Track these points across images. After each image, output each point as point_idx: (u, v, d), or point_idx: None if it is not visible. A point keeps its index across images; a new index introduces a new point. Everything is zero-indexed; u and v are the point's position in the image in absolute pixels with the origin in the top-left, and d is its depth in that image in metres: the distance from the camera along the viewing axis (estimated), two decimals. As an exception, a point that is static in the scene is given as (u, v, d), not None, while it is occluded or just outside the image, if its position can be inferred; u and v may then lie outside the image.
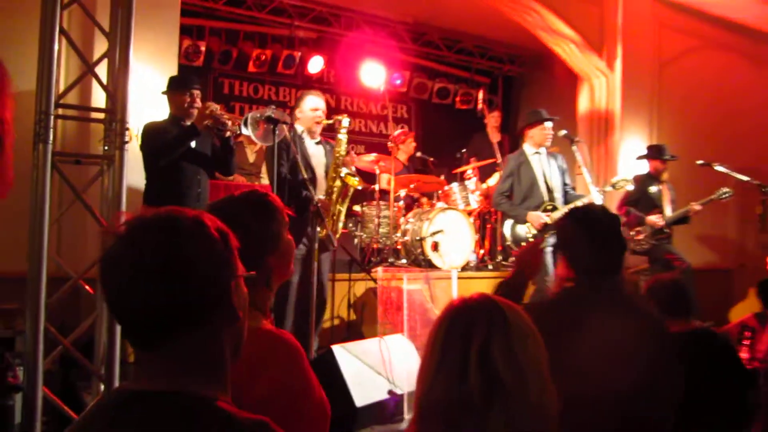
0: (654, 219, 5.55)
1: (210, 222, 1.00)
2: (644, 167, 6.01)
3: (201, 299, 0.95)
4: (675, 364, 1.93)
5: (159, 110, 4.39)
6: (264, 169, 5.89)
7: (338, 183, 4.15)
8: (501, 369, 1.05)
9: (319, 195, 4.12)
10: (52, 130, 2.32)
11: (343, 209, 4.23)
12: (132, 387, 0.98)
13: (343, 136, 4.20)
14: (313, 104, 4.23)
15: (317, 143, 4.27)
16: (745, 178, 5.67)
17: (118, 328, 2.52)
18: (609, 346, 1.72)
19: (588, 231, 1.96)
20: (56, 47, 2.33)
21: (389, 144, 6.25)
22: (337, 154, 4.17)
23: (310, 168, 4.09)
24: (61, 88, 2.54)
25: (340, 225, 4.24)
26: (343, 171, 4.13)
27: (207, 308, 0.96)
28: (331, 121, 4.26)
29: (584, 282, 1.93)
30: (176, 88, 3.94)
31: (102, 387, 2.49)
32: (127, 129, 2.48)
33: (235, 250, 1.03)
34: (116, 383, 2.52)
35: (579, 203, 4.81)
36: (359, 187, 4.22)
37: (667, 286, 2.85)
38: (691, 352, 2.56)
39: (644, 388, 1.73)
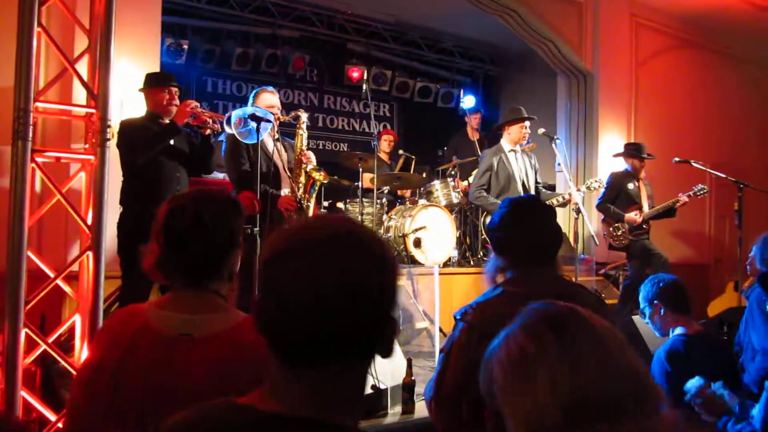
0: (632, 216, 5.63)
1: (388, 246, 0.94)
2: (622, 164, 6.10)
3: (376, 328, 0.88)
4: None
5: (141, 107, 4.37)
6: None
7: (303, 179, 4.12)
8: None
9: (284, 190, 4.09)
10: (31, 126, 2.31)
11: (311, 204, 4.21)
12: (270, 409, 0.88)
13: (303, 132, 4.17)
14: (268, 101, 4.15)
15: (276, 140, 4.21)
16: (721, 174, 5.77)
17: (100, 327, 2.51)
18: None
19: (518, 220, 1.93)
20: (34, 43, 2.31)
21: (372, 142, 6.27)
22: (298, 150, 4.14)
23: (272, 164, 4.02)
24: (42, 84, 2.52)
25: None
26: (308, 166, 4.10)
27: (374, 338, 0.89)
28: (287, 118, 4.22)
29: (523, 274, 1.89)
30: (154, 84, 3.88)
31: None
32: (109, 126, 2.47)
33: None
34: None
35: (554, 201, 4.89)
36: (324, 182, 4.20)
37: (671, 285, 2.80)
38: (695, 355, 2.58)
39: None
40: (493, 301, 1.89)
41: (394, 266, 0.91)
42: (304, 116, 4.21)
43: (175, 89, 3.87)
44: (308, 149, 4.21)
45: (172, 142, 3.77)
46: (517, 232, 1.92)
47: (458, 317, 1.90)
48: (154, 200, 3.68)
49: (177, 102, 3.85)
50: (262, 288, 0.89)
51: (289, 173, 4.12)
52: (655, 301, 2.79)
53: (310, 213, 4.17)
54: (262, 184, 3.81)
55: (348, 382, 0.90)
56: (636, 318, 4.26)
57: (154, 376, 1.38)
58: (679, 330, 2.73)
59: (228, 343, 1.40)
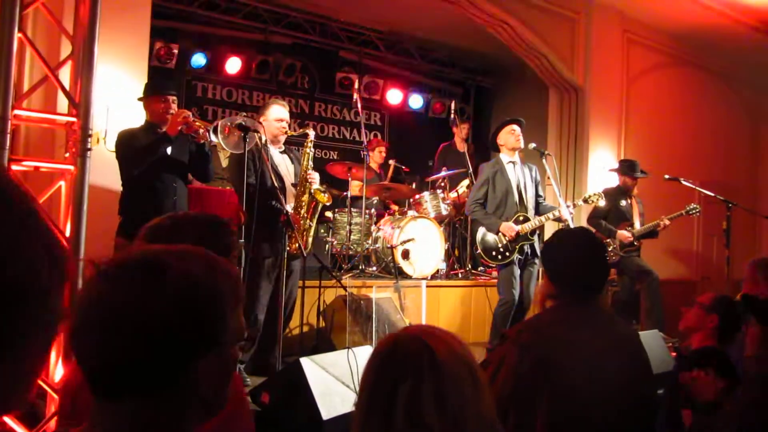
0: (624, 233, 5.62)
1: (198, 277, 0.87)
2: (613, 180, 6.09)
3: (159, 361, 0.85)
4: (651, 378, 2.04)
5: (127, 113, 4.31)
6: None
7: (306, 197, 4.10)
8: (429, 419, 1.01)
9: (289, 204, 4.06)
10: (9, 135, 2.24)
11: (313, 224, 4.17)
12: None
13: (309, 150, 4.16)
14: (278, 114, 4.16)
15: (281, 152, 4.21)
16: (710, 193, 5.78)
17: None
18: (598, 366, 1.82)
19: (575, 252, 2.06)
20: (14, 49, 2.25)
21: (362, 152, 6.24)
22: (304, 168, 4.13)
23: (278, 177, 4.03)
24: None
25: (310, 240, 4.20)
26: (314, 186, 4.08)
27: (161, 371, 0.85)
28: (296, 134, 4.26)
29: (569, 302, 2.00)
30: (151, 93, 3.87)
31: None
32: (90, 135, 2.41)
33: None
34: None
35: (551, 215, 4.85)
36: (328, 203, 4.19)
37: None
38: None
39: (631, 406, 1.84)
40: (545, 327, 2.01)
41: (189, 298, 0.85)
42: (311, 134, 4.20)
43: (172, 98, 3.86)
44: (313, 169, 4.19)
45: (169, 151, 3.75)
46: (573, 266, 2.04)
47: (512, 336, 1.99)
48: (150, 210, 3.67)
49: (174, 110, 3.83)
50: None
51: (294, 188, 4.11)
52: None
53: (311, 233, 4.16)
54: (268, 199, 3.80)
55: (152, 416, 0.86)
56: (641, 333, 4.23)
57: None
58: None
59: None
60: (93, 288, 0.86)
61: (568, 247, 2.11)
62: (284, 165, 4.17)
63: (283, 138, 4.19)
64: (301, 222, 4.05)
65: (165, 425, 0.87)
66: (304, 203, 4.08)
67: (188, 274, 0.87)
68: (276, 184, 3.89)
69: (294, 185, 4.13)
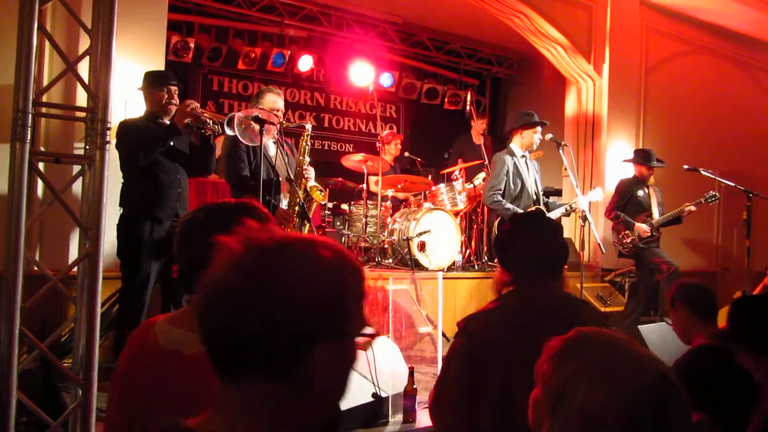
0: (643, 227, 5.57)
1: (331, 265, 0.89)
2: (629, 171, 6.03)
3: (283, 344, 0.85)
4: None
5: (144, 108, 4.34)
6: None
7: (302, 194, 4.00)
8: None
9: (283, 201, 3.97)
10: (30, 128, 2.27)
11: (307, 222, 4.03)
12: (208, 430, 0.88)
13: (306, 144, 4.06)
14: (272, 103, 4.04)
15: (274, 143, 4.08)
16: (730, 183, 5.71)
17: (97, 332, 2.48)
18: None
19: (527, 236, 1.97)
20: (34, 44, 2.27)
21: (377, 144, 6.24)
22: (299, 162, 4.02)
23: (272, 169, 3.92)
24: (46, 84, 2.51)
25: None
26: (310, 183, 3.99)
27: (281, 354, 0.85)
28: (289, 125, 4.17)
29: (520, 287, 1.93)
30: (153, 84, 3.79)
31: (79, 392, 2.45)
32: (109, 128, 2.43)
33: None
34: (94, 389, 2.47)
35: (562, 210, 4.86)
36: (323, 202, 4.10)
37: (697, 289, 2.72)
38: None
39: None
40: (492, 313, 1.94)
41: (313, 284, 0.86)
42: (309, 126, 4.11)
43: (174, 88, 3.78)
44: (310, 161, 4.09)
45: (172, 143, 3.71)
46: (517, 248, 1.96)
47: (461, 326, 1.92)
48: (154, 202, 3.68)
49: (176, 101, 3.76)
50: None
51: (289, 182, 4.00)
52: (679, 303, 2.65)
53: (305, 231, 4.06)
54: (263, 193, 3.68)
55: (275, 403, 0.86)
56: (642, 327, 4.21)
57: (146, 391, 1.38)
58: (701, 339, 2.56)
59: None
60: (222, 269, 0.86)
61: (516, 232, 2.01)
62: (279, 157, 4.03)
63: (278, 129, 4.11)
64: (296, 219, 3.94)
65: (287, 413, 0.87)
66: (298, 200, 3.95)
67: (315, 261, 0.87)
68: (271, 178, 3.80)
69: (288, 179, 4.02)
